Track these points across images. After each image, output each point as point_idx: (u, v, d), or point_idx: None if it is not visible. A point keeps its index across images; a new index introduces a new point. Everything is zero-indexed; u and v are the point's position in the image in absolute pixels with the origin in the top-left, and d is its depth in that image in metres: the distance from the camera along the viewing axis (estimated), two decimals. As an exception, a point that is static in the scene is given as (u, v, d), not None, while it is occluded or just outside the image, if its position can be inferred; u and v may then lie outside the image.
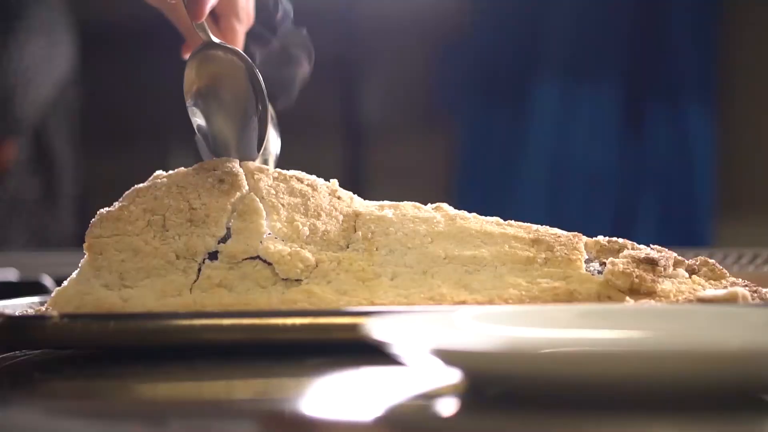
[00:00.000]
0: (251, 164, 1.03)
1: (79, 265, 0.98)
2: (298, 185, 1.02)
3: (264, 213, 0.99)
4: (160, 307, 0.94)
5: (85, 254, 0.98)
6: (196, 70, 1.04)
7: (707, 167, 2.96)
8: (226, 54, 1.04)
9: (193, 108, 1.04)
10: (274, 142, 1.11)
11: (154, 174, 1.03)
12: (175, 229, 0.98)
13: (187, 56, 1.07)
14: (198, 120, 1.04)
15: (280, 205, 1.00)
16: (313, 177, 1.04)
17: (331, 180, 1.05)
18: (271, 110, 1.10)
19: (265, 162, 1.10)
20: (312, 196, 1.02)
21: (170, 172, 1.02)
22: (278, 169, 1.04)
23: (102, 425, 0.73)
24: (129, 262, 0.96)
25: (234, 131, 1.05)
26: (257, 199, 1.00)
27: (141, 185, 1.01)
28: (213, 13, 1.12)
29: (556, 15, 2.98)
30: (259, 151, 1.04)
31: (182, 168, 1.03)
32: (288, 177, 1.03)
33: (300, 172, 1.04)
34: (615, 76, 2.96)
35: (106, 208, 1.00)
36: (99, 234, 0.98)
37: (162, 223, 0.98)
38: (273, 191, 1.01)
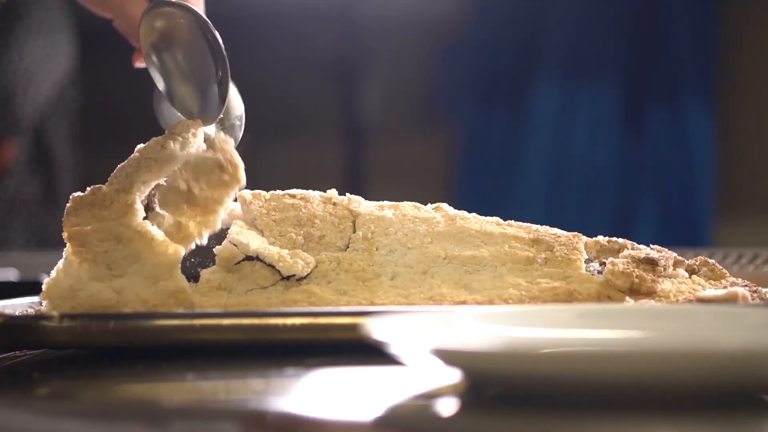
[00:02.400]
0: (246, 193, 1.02)
1: (64, 254, 0.97)
2: (289, 201, 1.02)
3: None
4: (155, 293, 0.94)
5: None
6: (148, 29, 1.02)
7: (707, 167, 2.96)
8: (179, 11, 1.03)
9: (152, 67, 1.03)
10: (236, 103, 1.09)
11: (137, 149, 1.01)
12: (165, 209, 0.99)
13: (138, 64, 1.06)
14: (157, 80, 1.03)
15: (272, 222, 1.00)
16: (308, 191, 1.04)
17: (328, 191, 1.04)
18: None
19: (231, 126, 1.07)
20: (304, 207, 1.01)
21: (143, 145, 1.01)
22: (273, 192, 1.03)
23: (102, 425, 0.73)
24: (114, 251, 0.95)
25: (192, 88, 1.03)
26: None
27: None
28: None
29: (555, 15, 2.98)
30: (220, 111, 1.03)
31: (154, 138, 1.01)
32: (280, 196, 1.03)
33: (295, 189, 1.04)
34: (615, 76, 2.96)
35: (79, 193, 0.99)
36: (77, 223, 0.97)
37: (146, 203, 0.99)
38: (264, 210, 1.01)
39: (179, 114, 1.03)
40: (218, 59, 1.01)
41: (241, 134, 1.06)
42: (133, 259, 0.95)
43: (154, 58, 1.03)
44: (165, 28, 1.03)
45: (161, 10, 1.03)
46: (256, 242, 0.98)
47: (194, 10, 1.03)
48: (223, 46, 1.01)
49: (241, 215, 1.03)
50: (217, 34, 1.02)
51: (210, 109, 1.03)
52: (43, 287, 0.97)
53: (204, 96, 1.03)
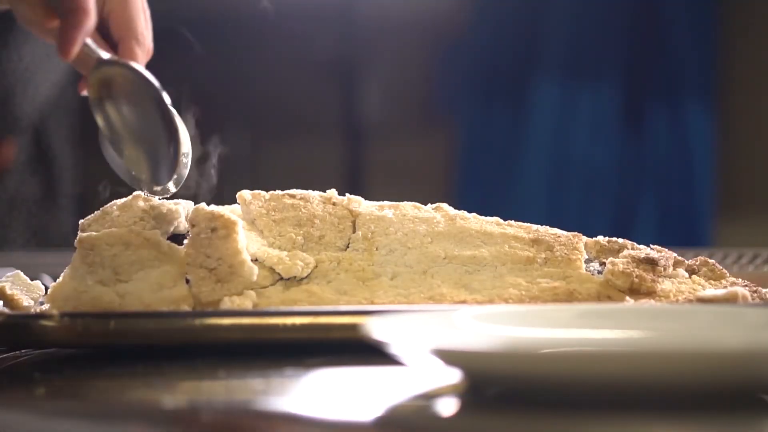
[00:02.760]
0: (245, 193, 1.02)
1: (72, 260, 0.97)
2: (289, 201, 1.02)
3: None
4: (158, 300, 0.94)
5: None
6: (96, 87, 1.01)
7: (707, 167, 2.96)
8: (131, 74, 1.01)
9: (99, 121, 1.03)
10: (183, 139, 1.07)
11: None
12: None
13: (84, 93, 1.05)
14: (105, 132, 1.03)
15: (271, 222, 1.00)
16: (308, 191, 1.04)
17: (327, 191, 1.04)
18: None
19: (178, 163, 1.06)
20: (304, 207, 1.01)
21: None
22: (273, 192, 1.03)
23: (102, 425, 0.73)
24: (121, 256, 0.96)
25: (142, 153, 1.03)
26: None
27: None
28: (111, 41, 1.10)
29: (555, 15, 2.98)
30: (170, 178, 1.02)
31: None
32: (280, 196, 1.03)
33: (294, 189, 1.04)
34: (615, 76, 2.96)
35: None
36: (88, 229, 0.98)
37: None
38: (264, 210, 1.01)
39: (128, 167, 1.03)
40: (169, 126, 1.00)
41: (187, 172, 1.05)
42: (140, 266, 0.95)
43: (100, 117, 1.02)
44: (115, 89, 1.02)
45: (112, 69, 1.02)
46: (255, 245, 0.98)
47: (145, 75, 1.01)
48: (174, 112, 1.01)
49: (241, 215, 1.02)
50: (167, 97, 1.01)
51: (161, 175, 1.02)
52: (48, 291, 0.97)
53: (154, 162, 1.02)
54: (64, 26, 1.00)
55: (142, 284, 0.95)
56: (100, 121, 1.02)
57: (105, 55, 1.03)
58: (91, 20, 1.00)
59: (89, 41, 1.02)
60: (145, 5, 1.11)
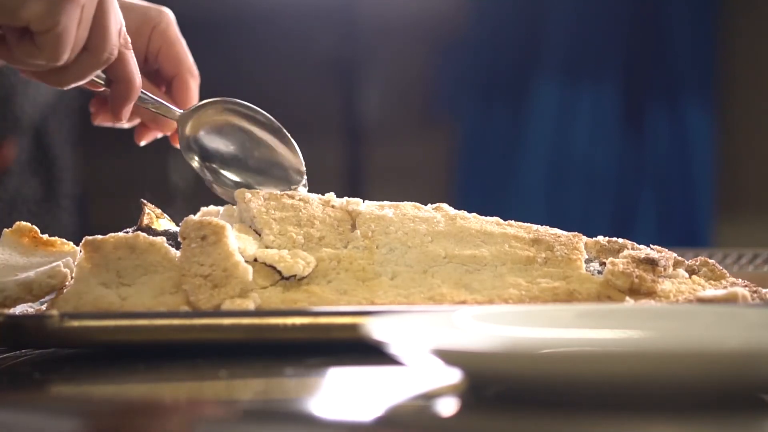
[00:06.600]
0: (244, 191, 1.03)
1: (76, 263, 0.97)
2: (289, 201, 1.02)
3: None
4: (158, 304, 0.94)
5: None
6: (185, 139, 1.06)
7: (707, 167, 2.96)
8: (213, 108, 1.07)
9: (197, 167, 1.06)
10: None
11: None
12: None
13: (177, 145, 1.08)
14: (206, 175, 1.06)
15: (272, 221, 1.00)
16: (306, 193, 1.04)
17: (326, 194, 1.04)
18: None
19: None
20: (304, 208, 1.01)
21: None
22: (270, 191, 1.03)
23: (102, 425, 0.73)
24: (126, 260, 0.96)
25: (251, 168, 1.07)
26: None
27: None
28: (163, 77, 1.13)
29: (555, 14, 2.98)
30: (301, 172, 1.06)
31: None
32: (278, 196, 1.03)
33: (291, 191, 1.05)
34: (614, 76, 2.96)
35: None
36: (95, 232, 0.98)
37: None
38: (264, 209, 1.01)
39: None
40: (279, 136, 1.09)
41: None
42: (143, 270, 0.95)
43: (195, 161, 1.07)
44: (204, 127, 1.07)
45: (197, 113, 1.07)
46: (252, 247, 0.98)
47: (235, 101, 1.08)
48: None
49: (237, 216, 1.03)
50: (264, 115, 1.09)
51: (284, 182, 1.08)
52: None
53: (270, 174, 1.08)
54: (114, 96, 1.03)
55: (145, 288, 0.95)
56: (195, 164, 1.06)
57: (178, 111, 1.07)
58: (138, 87, 1.03)
59: (153, 100, 1.05)
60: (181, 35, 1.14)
